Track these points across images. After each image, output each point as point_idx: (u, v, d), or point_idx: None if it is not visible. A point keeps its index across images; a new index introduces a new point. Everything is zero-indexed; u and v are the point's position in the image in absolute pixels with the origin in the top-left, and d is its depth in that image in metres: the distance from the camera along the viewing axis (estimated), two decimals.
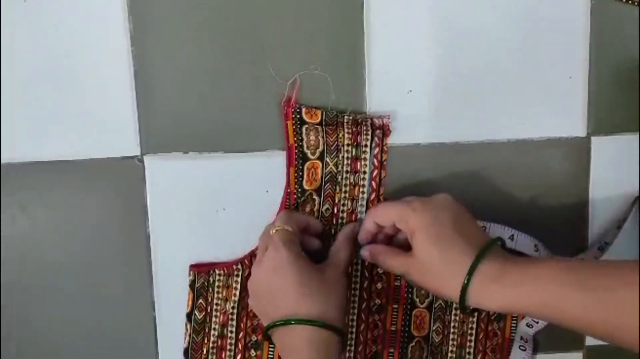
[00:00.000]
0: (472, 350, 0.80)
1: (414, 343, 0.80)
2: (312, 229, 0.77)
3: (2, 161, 0.76)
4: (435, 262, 0.68)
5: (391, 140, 0.78)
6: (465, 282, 0.66)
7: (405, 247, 0.72)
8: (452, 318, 0.80)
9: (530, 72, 0.78)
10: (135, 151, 0.77)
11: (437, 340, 0.80)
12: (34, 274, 0.79)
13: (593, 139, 0.79)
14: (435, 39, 0.77)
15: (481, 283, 0.66)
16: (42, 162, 0.76)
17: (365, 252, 0.75)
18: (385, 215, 0.73)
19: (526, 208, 0.79)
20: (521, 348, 0.80)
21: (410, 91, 0.77)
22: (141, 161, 0.77)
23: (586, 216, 0.80)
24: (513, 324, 0.80)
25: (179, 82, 0.76)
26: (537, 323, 0.79)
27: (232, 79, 0.76)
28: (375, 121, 0.76)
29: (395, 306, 0.80)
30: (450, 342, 0.80)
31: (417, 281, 0.70)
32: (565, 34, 0.78)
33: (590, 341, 0.83)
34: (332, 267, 0.74)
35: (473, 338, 0.80)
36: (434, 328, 0.80)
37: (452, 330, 0.80)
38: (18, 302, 0.79)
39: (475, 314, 0.79)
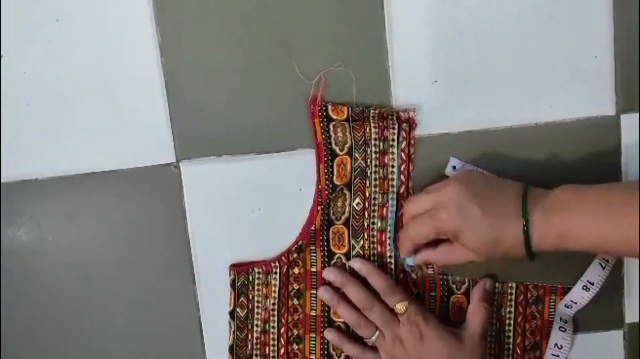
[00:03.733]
0: (511, 334, 0.81)
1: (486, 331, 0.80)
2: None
3: (47, 175, 0.79)
4: (492, 246, 0.70)
5: (419, 131, 0.78)
6: (525, 229, 0.68)
7: None
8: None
9: (556, 54, 0.78)
10: (171, 158, 0.79)
11: None
12: (81, 280, 0.82)
13: (622, 117, 0.79)
14: (457, 27, 0.77)
15: (537, 237, 0.68)
16: (85, 174, 0.79)
17: (419, 262, 0.78)
18: (421, 235, 0.74)
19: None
20: (561, 329, 0.80)
21: (436, 81, 0.78)
22: (177, 167, 0.79)
23: None
24: (551, 306, 0.81)
25: (208, 89, 0.78)
26: (576, 303, 0.79)
27: (259, 82, 0.77)
28: (402, 114, 0.77)
29: (433, 293, 0.81)
30: (490, 326, 0.81)
31: (485, 262, 0.72)
32: (589, 14, 0.77)
33: (630, 318, 0.83)
34: (469, 335, 0.77)
35: (512, 321, 0.81)
36: None
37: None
38: (67, 307, 0.82)
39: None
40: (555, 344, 0.81)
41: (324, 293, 0.80)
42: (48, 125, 0.78)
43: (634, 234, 0.65)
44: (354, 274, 0.80)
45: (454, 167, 0.78)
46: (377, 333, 0.78)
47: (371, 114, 0.77)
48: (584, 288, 0.79)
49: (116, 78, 0.77)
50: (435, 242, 0.75)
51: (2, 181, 0.79)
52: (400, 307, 0.77)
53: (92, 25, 0.76)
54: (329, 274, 0.79)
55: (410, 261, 0.79)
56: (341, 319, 0.81)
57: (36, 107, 0.78)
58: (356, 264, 0.79)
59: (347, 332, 0.81)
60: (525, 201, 0.69)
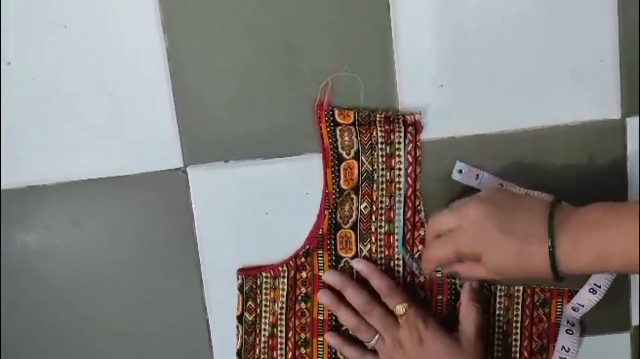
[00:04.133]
0: (518, 336, 0.81)
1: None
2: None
3: (55, 180, 0.79)
4: (516, 267, 0.69)
5: (425, 135, 0.79)
6: (551, 250, 0.66)
7: None
8: (497, 306, 0.81)
9: (561, 58, 0.78)
10: (179, 163, 0.79)
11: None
12: (89, 285, 0.82)
13: (628, 120, 0.79)
14: (462, 31, 0.77)
15: (564, 258, 0.66)
16: (92, 180, 0.79)
17: (445, 272, 0.79)
18: (443, 257, 0.73)
19: (564, 194, 0.78)
20: (568, 331, 0.80)
21: (441, 85, 0.78)
22: (185, 172, 0.79)
23: (625, 198, 0.80)
24: (558, 309, 0.81)
25: (216, 94, 0.78)
26: (583, 306, 0.80)
27: (266, 87, 0.78)
28: (407, 117, 0.77)
29: (440, 297, 0.81)
30: (497, 330, 0.81)
31: (507, 281, 0.73)
32: (594, 17, 0.77)
33: (637, 320, 0.83)
34: (466, 337, 0.77)
35: (519, 324, 0.81)
36: None
37: (497, 318, 0.81)
38: (75, 310, 0.83)
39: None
40: (563, 346, 0.81)
41: (323, 297, 0.80)
42: (56, 131, 0.78)
43: None
44: (356, 276, 0.81)
45: (460, 171, 0.78)
46: (377, 336, 0.78)
47: (377, 119, 0.77)
48: (591, 290, 0.79)
49: (124, 84, 0.78)
50: None
51: (10, 186, 0.80)
52: (399, 309, 0.77)
53: (100, 32, 0.77)
54: (329, 277, 0.80)
55: (438, 275, 0.80)
56: None
57: (44, 114, 0.78)
58: (358, 264, 0.80)
59: (350, 336, 0.81)
60: (552, 221, 0.67)
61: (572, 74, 0.78)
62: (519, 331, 0.81)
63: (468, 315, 0.78)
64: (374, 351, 0.80)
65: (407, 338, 0.76)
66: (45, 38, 0.77)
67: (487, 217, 0.69)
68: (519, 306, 0.81)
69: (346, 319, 0.79)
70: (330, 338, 0.81)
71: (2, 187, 0.79)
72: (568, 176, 0.79)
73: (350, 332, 0.81)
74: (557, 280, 0.68)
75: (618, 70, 0.78)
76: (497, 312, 0.81)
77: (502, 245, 0.68)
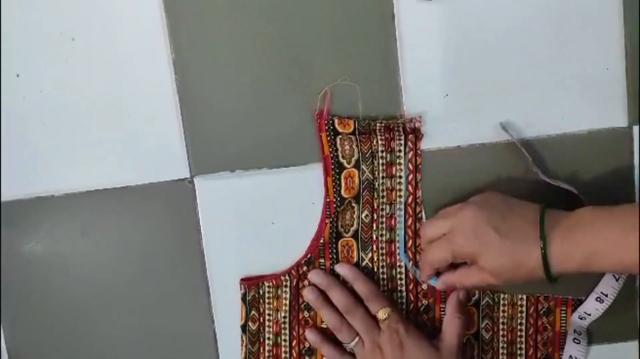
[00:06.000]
0: (523, 345, 0.81)
1: (464, 341, 0.80)
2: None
3: (63, 191, 0.80)
4: (511, 269, 0.70)
5: (431, 144, 0.79)
6: (543, 253, 0.68)
7: None
8: (501, 314, 0.81)
9: (567, 67, 0.78)
10: (185, 174, 0.80)
11: (487, 337, 0.81)
12: (97, 294, 0.83)
13: (634, 128, 0.79)
14: (468, 41, 0.77)
15: (555, 245, 0.68)
16: (100, 190, 0.80)
17: (440, 285, 0.78)
18: (439, 260, 0.75)
19: (571, 203, 0.78)
20: (575, 341, 0.80)
21: (447, 95, 0.78)
22: (191, 182, 0.80)
23: None
24: (563, 317, 0.80)
25: (221, 105, 0.79)
26: (590, 314, 0.79)
27: (272, 98, 0.78)
28: (407, 125, 0.78)
29: (443, 305, 0.81)
30: (501, 338, 0.81)
31: (500, 285, 0.74)
32: (599, 26, 0.77)
33: None
34: (446, 346, 0.77)
35: (523, 333, 0.81)
36: (482, 325, 0.81)
37: (501, 326, 0.81)
38: (83, 320, 0.83)
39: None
40: (570, 356, 0.80)
41: (308, 294, 0.80)
42: (64, 142, 0.79)
43: None
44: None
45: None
46: (357, 339, 0.78)
47: (377, 127, 0.77)
48: (598, 299, 0.79)
49: (131, 95, 0.79)
50: (455, 265, 0.76)
51: (18, 197, 0.81)
52: (382, 313, 0.77)
53: (107, 45, 0.78)
54: (315, 276, 0.80)
55: (433, 282, 0.79)
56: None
57: (52, 125, 0.79)
58: (342, 269, 0.80)
59: (330, 336, 0.82)
60: (543, 222, 0.69)
61: (578, 82, 0.78)
62: (523, 339, 0.81)
63: (451, 325, 0.78)
64: (352, 353, 0.80)
65: (387, 342, 0.76)
66: (54, 50, 0.78)
67: (482, 218, 0.71)
68: (523, 315, 0.80)
69: (328, 318, 0.79)
70: (310, 335, 0.81)
71: (11, 198, 0.81)
72: (575, 184, 0.78)
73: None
74: (550, 281, 0.69)
75: (624, 79, 0.78)
76: (501, 320, 0.81)
77: (498, 245, 0.69)
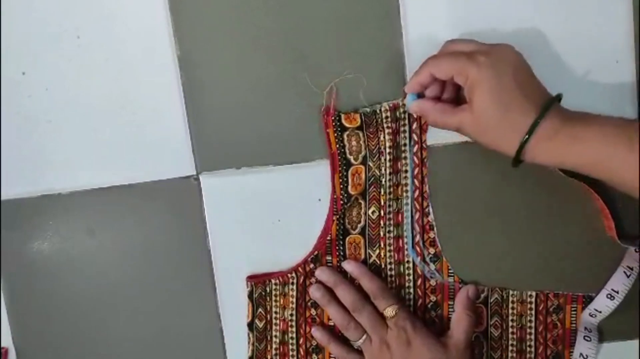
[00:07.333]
0: (532, 343, 0.80)
1: (473, 338, 0.80)
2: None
3: (69, 189, 0.81)
4: (495, 119, 0.68)
5: (436, 140, 0.78)
6: (524, 140, 0.66)
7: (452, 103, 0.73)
8: (510, 311, 0.80)
9: (576, 59, 0.77)
10: (191, 171, 0.80)
11: (496, 334, 0.80)
12: (103, 292, 0.83)
13: None
14: (474, 34, 0.76)
15: (537, 140, 0.66)
16: (106, 188, 0.80)
17: (414, 107, 0.75)
18: (446, 67, 0.70)
19: (582, 195, 0.78)
20: (586, 338, 0.79)
21: None
22: (197, 179, 0.80)
23: None
24: (573, 315, 0.80)
25: (227, 102, 0.79)
26: (600, 312, 0.78)
27: (277, 94, 0.78)
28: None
29: (451, 302, 0.80)
30: (510, 336, 0.80)
31: (471, 135, 0.70)
32: (609, 18, 0.77)
33: None
34: (454, 343, 0.77)
35: (532, 330, 0.80)
36: (491, 323, 0.80)
37: (510, 324, 0.80)
38: (89, 318, 0.83)
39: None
40: (581, 354, 0.79)
41: (315, 292, 0.80)
42: (70, 140, 0.79)
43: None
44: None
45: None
46: (365, 336, 0.78)
47: (383, 114, 0.77)
48: (609, 296, 0.78)
49: (136, 93, 0.79)
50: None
51: (25, 195, 0.81)
52: (389, 311, 0.77)
53: (112, 42, 0.78)
54: (322, 274, 0.80)
55: (410, 98, 0.75)
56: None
57: (58, 123, 0.79)
58: (349, 266, 0.80)
59: (336, 333, 0.82)
60: (551, 102, 0.67)
61: (588, 75, 0.78)
62: (533, 337, 0.80)
63: (460, 323, 0.78)
64: (359, 351, 0.80)
65: (394, 339, 0.76)
66: (59, 48, 0.78)
67: (513, 62, 0.69)
68: (533, 312, 0.80)
69: (335, 315, 0.79)
70: (317, 332, 0.81)
71: (17, 196, 0.81)
72: (583, 178, 0.78)
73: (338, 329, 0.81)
74: (516, 157, 0.68)
75: (634, 72, 0.77)
76: (510, 318, 0.80)
77: (506, 88, 0.67)
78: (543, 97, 0.69)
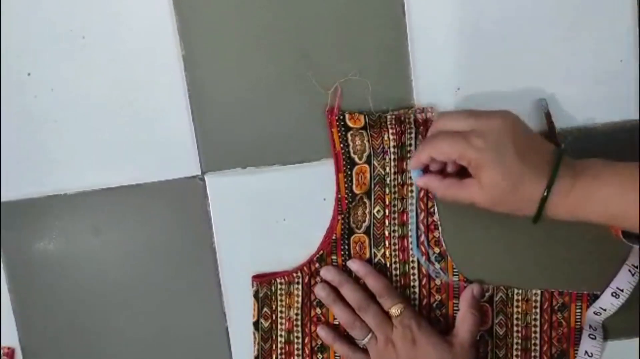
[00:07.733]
0: (537, 341, 0.80)
1: (477, 337, 0.80)
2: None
3: (76, 189, 0.81)
4: (507, 193, 0.68)
5: None
6: (540, 206, 0.67)
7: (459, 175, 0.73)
8: (515, 309, 0.80)
9: (580, 59, 0.77)
10: (197, 171, 0.80)
11: (500, 333, 0.80)
12: (109, 292, 0.83)
13: None
14: (479, 34, 0.77)
15: (554, 202, 0.67)
16: (112, 188, 0.81)
17: (420, 183, 0.75)
18: (445, 151, 0.70)
19: None
20: (591, 336, 0.79)
21: (458, 89, 0.78)
22: (202, 179, 0.80)
23: None
24: (578, 313, 0.80)
25: (232, 102, 0.79)
26: (605, 310, 0.78)
27: (282, 94, 0.78)
28: (418, 116, 0.77)
29: (456, 301, 0.80)
30: (515, 334, 0.80)
31: (486, 207, 0.70)
32: (613, 17, 0.77)
33: None
34: (459, 342, 0.77)
35: (537, 329, 0.80)
36: (496, 321, 0.80)
37: (515, 322, 0.80)
38: (95, 317, 0.84)
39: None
40: (585, 352, 0.79)
41: (320, 291, 0.80)
42: (75, 140, 0.80)
43: None
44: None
45: None
46: (370, 335, 0.78)
47: (388, 120, 0.77)
48: (614, 294, 0.78)
49: (141, 93, 0.79)
50: (443, 174, 0.74)
51: (31, 196, 0.81)
52: (395, 310, 0.77)
53: (117, 43, 0.78)
54: (327, 273, 0.80)
55: (416, 174, 0.75)
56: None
57: (64, 123, 0.80)
58: (354, 265, 0.80)
59: (341, 332, 0.82)
60: (559, 161, 0.67)
61: (592, 75, 0.78)
62: (538, 335, 0.80)
63: (465, 321, 0.78)
64: (364, 350, 0.80)
65: (400, 338, 0.76)
66: (64, 49, 0.78)
67: (508, 134, 0.68)
68: (537, 310, 0.80)
69: (341, 314, 0.79)
70: (322, 332, 0.81)
71: (23, 197, 0.81)
72: None
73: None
74: (535, 218, 0.68)
75: (638, 71, 0.77)
76: (515, 316, 0.80)
77: (509, 164, 0.67)
78: (548, 155, 0.69)
